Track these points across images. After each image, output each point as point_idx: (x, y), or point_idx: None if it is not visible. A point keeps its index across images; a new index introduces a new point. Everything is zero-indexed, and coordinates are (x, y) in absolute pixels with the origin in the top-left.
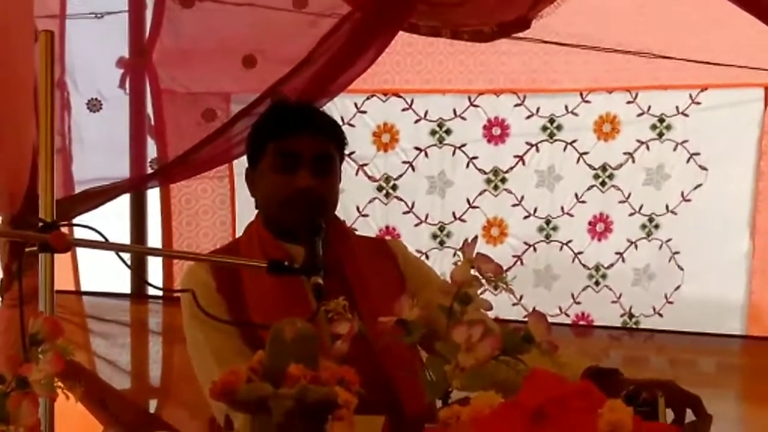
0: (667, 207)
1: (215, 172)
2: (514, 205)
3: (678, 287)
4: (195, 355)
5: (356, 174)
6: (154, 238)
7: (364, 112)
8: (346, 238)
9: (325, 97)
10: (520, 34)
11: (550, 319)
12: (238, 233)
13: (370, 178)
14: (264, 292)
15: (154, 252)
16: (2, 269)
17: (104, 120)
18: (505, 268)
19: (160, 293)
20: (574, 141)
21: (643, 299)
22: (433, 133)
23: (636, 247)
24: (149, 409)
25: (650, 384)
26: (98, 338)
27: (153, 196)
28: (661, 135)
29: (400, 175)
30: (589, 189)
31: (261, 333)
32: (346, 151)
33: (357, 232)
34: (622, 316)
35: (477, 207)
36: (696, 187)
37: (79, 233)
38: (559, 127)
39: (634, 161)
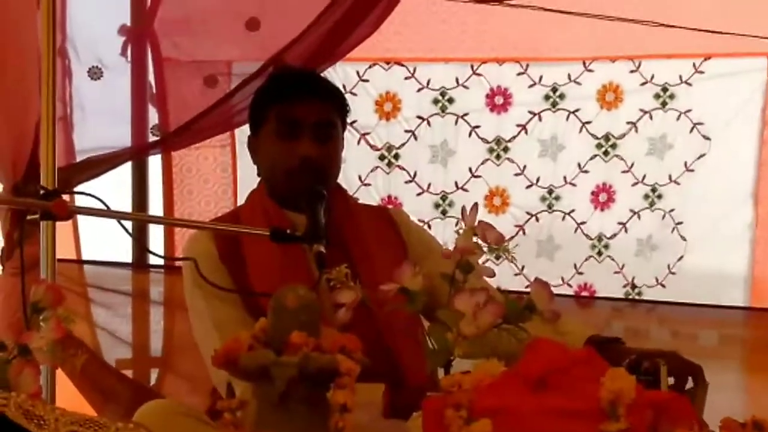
0: (670, 177)
1: (217, 141)
2: (516, 175)
3: (681, 258)
4: (197, 324)
5: (358, 143)
6: (155, 206)
7: (366, 80)
8: (348, 207)
9: (327, 62)
10: (524, 2)
11: (552, 290)
12: (240, 201)
13: (372, 147)
14: (266, 260)
15: (156, 220)
16: (3, 237)
17: (105, 88)
18: (507, 237)
19: (161, 262)
20: (576, 110)
21: (645, 270)
22: (435, 102)
23: (639, 217)
24: (150, 380)
25: (652, 353)
26: (99, 308)
27: (154, 164)
28: (664, 104)
29: (403, 144)
30: (591, 159)
31: (263, 302)
32: (348, 120)
33: (359, 201)
34: (624, 286)
35: (479, 176)
36: (699, 157)
37: (80, 201)
38: (561, 96)
39: (637, 131)
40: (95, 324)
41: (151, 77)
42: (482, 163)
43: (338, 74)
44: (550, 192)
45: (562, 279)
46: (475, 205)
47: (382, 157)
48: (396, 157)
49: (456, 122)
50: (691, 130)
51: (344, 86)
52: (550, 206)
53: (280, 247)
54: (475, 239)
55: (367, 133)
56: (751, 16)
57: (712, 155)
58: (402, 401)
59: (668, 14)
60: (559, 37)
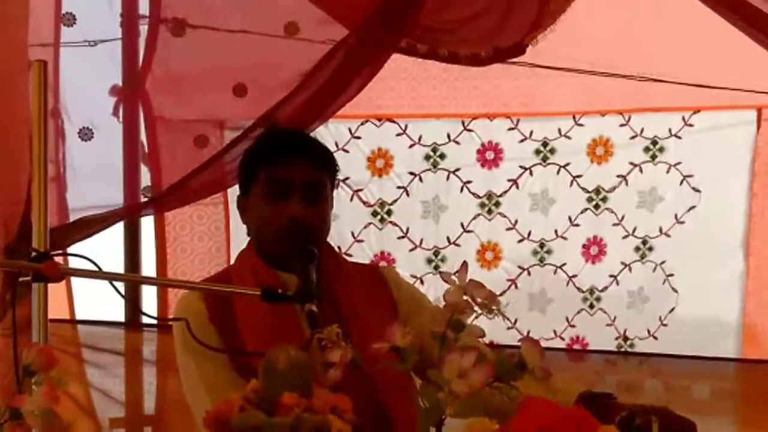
0: (660, 229)
1: (210, 199)
2: (508, 229)
3: (672, 309)
4: (187, 385)
5: (351, 200)
6: (148, 263)
7: (358, 137)
8: (337, 266)
9: (317, 121)
10: (514, 59)
11: (544, 343)
12: (233, 260)
13: (364, 203)
14: (257, 320)
15: (147, 280)
16: None
17: (96, 148)
18: (499, 292)
19: (154, 321)
20: (567, 164)
21: (637, 322)
22: (427, 157)
23: (630, 269)
24: None
25: (645, 409)
26: (92, 368)
27: (147, 222)
28: (654, 157)
29: (395, 200)
30: (582, 212)
31: (254, 362)
32: (341, 177)
33: (352, 258)
34: (616, 338)
35: (471, 231)
36: (689, 209)
37: (73, 262)
38: (552, 151)
39: (627, 184)
40: (89, 384)
41: (143, 136)
42: (474, 218)
43: (330, 131)
44: (542, 246)
45: (555, 332)
46: (465, 264)
47: (374, 214)
48: (389, 213)
49: (447, 178)
50: (681, 183)
51: (336, 143)
52: (541, 260)
53: (270, 306)
54: (465, 297)
55: (360, 190)
56: (739, 69)
57: (702, 207)
58: None
59: (657, 68)
60: (549, 92)
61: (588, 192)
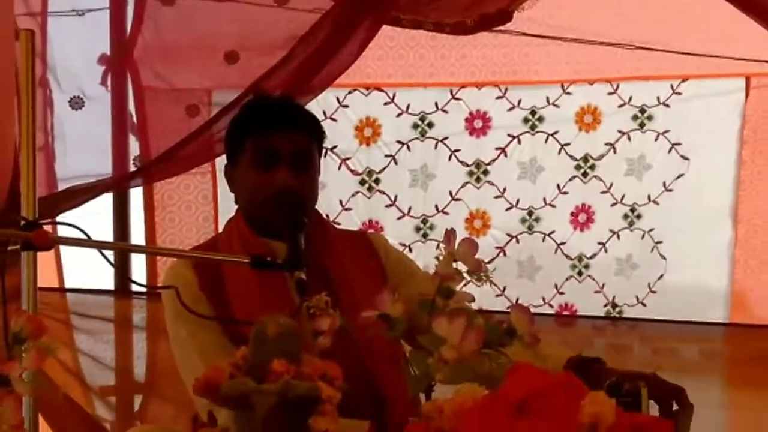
0: (649, 197)
1: (198, 168)
2: (496, 197)
3: (661, 276)
4: (178, 352)
5: (339, 168)
6: (137, 232)
7: (346, 106)
8: (326, 233)
9: (309, 93)
10: (502, 27)
11: (533, 310)
12: (221, 229)
13: (352, 172)
14: (246, 288)
15: (137, 249)
16: None
17: (87, 117)
18: (488, 259)
19: (144, 289)
20: (555, 132)
21: (626, 289)
22: (415, 126)
23: (618, 237)
24: (134, 406)
25: (633, 375)
26: (82, 335)
27: (136, 191)
28: (642, 125)
29: (383, 169)
30: (571, 180)
31: (243, 329)
32: (329, 146)
33: (340, 226)
34: (605, 305)
35: (460, 199)
36: (678, 177)
37: (62, 231)
38: (540, 119)
39: (615, 152)
40: (78, 350)
41: (131, 107)
42: (462, 186)
43: (318, 100)
44: (530, 214)
45: (543, 299)
46: (453, 230)
47: (362, 182)
48: (376, 181)
49: (436, 146)
50: (670, 151)
51: (324, 112)
52: (530, 228)
53: (259, 274)
54: (454, 264)
55: (348, 159)
56: (728, 37)
57: (690, 175)
58: (384, 428)
59: (645, 36)
60: (537, 61)
61: (576, 160)
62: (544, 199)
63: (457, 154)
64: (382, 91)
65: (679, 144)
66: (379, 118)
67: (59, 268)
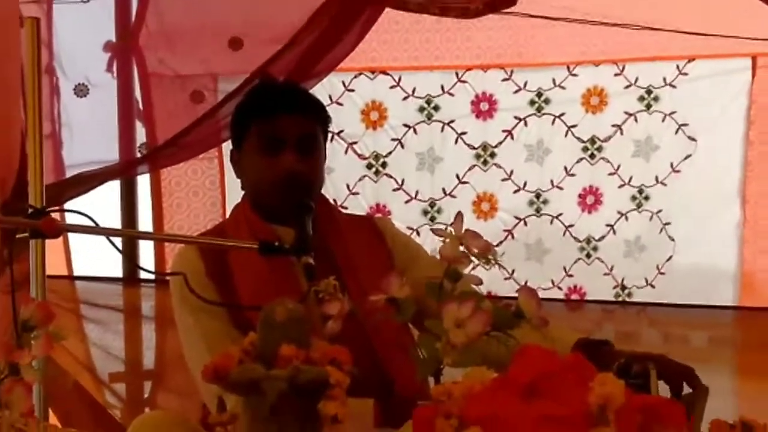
0: (656, 178)
1: (204, 154)
2: (503, 180)
3: (669, 258)
4: (185, 339)
5: (345, 152)
6: (145, 218)
7: (352, 90)
8: (332, 218)
9: (314, 77)
10: (507, 9)
11: (542, 293)
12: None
13: (359, 156)
14: (253, 274)
15: (143, 235)
16: None
17: (92, 104)
18: (496, 242)
19: (152, 276)
20: (562, 114)
21: (635, 270)
22: (421, 109)
23: (626, 218)
24: (143, 393)
25: (642, 356)
26: (91, 324)
27: (143, 178)
28: (649, 107)
29: (390, 153)
30: (578, 162)
31: (251, 315)
32: (336, 130)
33: (347, 210)
34: (614, 287)
35: (467, 182)
36: (685, 158)
37: (70, 218)
38: (547, 101)
39: (622, 133)
40: (88, 339)
41: (137, 93)
42: (469, 169)
43: (324, 84)
44: (538, 196)
45: (552, 282)
46: (460, 214)
47: (369, 166)
48: (383, 165)
49: (442, 129)
50: (677, 132)
51: (330, 96)
52: (538, 210)
53: (267, 260)
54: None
55: (354, 143)
56: (733, 17)
57: (698, 156)
58: (392, 411)
59: (651, 17)
60: (543, 43)
61: (583, 142)
62: (552, 182)
63: (463, 137)
64: (387, 74)
65: (686, 125)
66: (385, 102)
67: (68, 256)
